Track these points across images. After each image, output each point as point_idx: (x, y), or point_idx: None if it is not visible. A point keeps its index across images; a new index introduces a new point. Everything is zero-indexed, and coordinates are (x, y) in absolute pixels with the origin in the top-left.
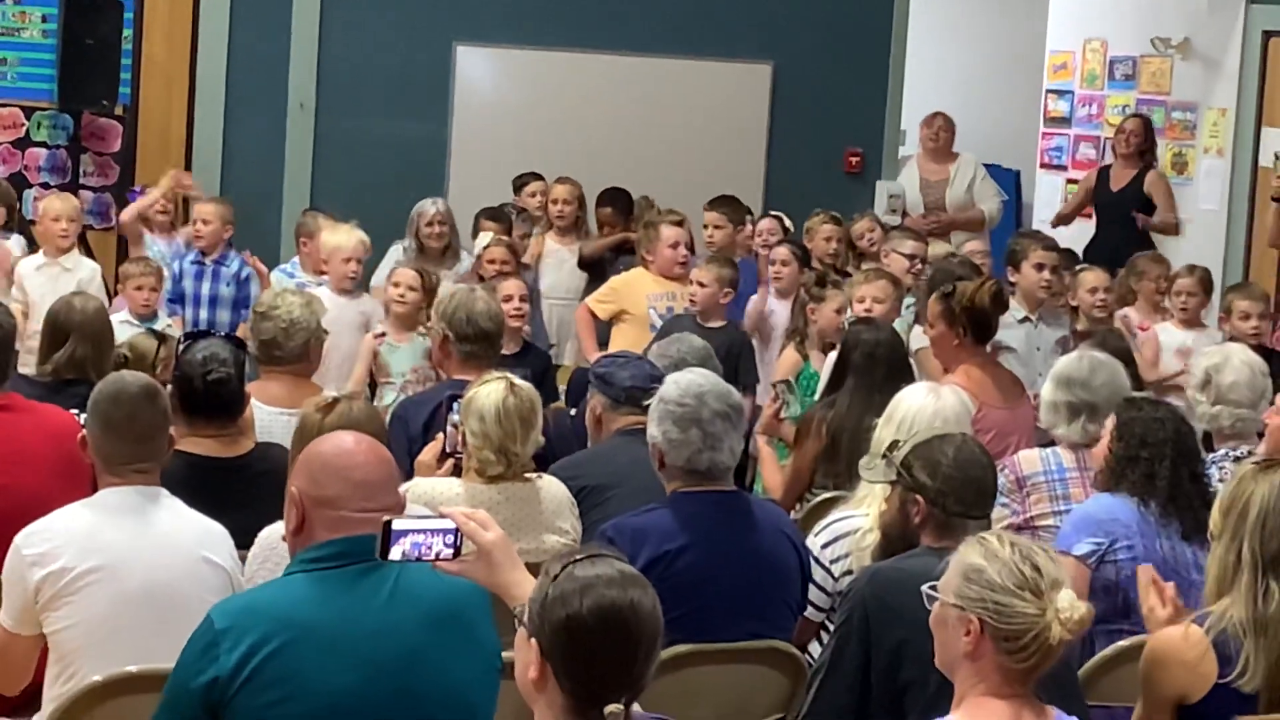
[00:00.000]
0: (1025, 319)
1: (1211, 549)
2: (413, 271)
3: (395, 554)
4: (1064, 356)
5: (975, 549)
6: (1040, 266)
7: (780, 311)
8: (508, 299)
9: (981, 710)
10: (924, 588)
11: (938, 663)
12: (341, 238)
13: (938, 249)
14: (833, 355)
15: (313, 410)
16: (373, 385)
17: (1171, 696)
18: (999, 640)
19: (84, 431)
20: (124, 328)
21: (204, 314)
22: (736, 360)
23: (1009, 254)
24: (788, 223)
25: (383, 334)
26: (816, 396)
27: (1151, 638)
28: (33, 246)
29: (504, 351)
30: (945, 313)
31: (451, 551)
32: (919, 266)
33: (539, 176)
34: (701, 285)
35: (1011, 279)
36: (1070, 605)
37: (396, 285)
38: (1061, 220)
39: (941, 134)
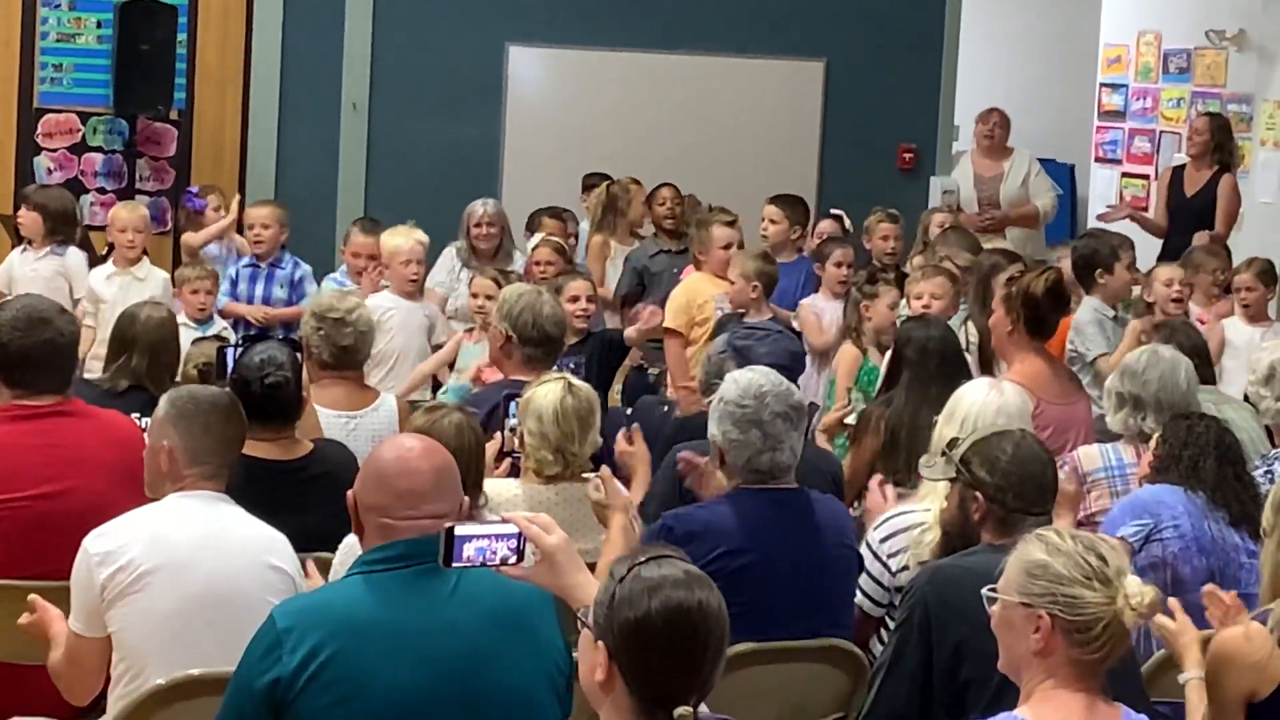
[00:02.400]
0: (1115, 317)
1: (1264, 546)
2: (489, 280)
3: (459, 560)
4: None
5: (1035, 545)
6: (1131, 266)
7: (829, 311)
8: (574, 299)
9: (1053, 702)
10: (984, 591)
11: (1001, 666)
12: (399, 240)
13: (992, 246)
14: (889, 353)
15: (418, 414)
16: (435, 385)
17: (1240, 696)
18: (1071, 633)
19: (165, 439)
20: (181, 331)
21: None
22: None
23: (1093, 255)
24: (848, 222)
25: (471, 329)
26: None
27: (1214, 640)
28: (91, 255)
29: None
30: (1005, 298)
31: (515, 556)
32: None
33: (606, 177)
34: (731, 282)
35: (1101, 280)
36: (1139, 590)
37: (475, 296)
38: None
39: (997, 130)
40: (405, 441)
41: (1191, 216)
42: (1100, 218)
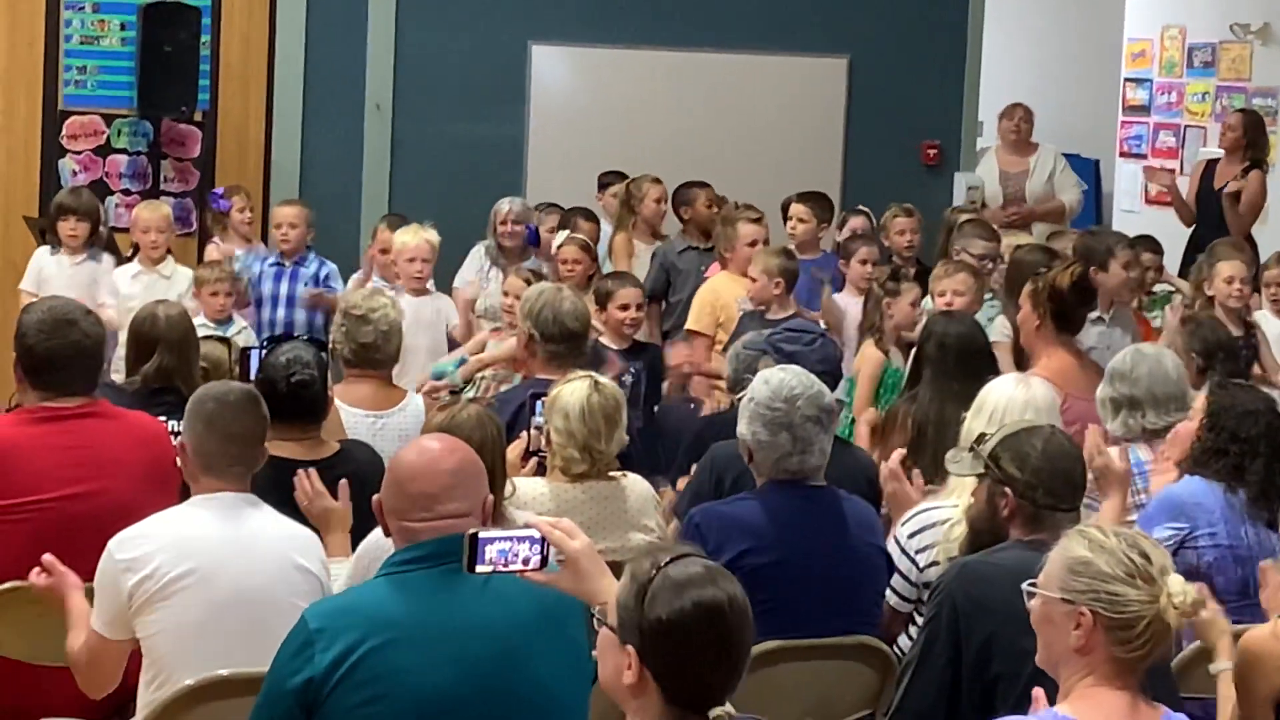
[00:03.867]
0: (1099, 319)
1: None
2: (521, 280)
3: (482, 566)
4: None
5: (1078, 541)
6: (1128, 265)
7: (853, 308)
8: (624, 307)
9: (1092, 700)
10: (1024, 585)
11: (1039, 661)
12: (408, 237)
13: (1018, 240)
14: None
15: (434, 411)
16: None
17: (1269, 695)
18: (1112, 631)
19: (182, 438)
20: (199, 331)
21: (281, 314)
22: None
23: (1087, 253)
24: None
25: (499, 328)
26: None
27: (1242, 639)
28: (116, 257)
29: (615, 347)
30: (1032, 294)
31: (539, 561)
32: (989, 266)
33: (622, 175)
34: (752, 280)
35: (1095, 277)
36: (1182, 589)
37: (506, 295)
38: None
39: (1022, 125)
40: (425, 443)
41: (1218, 209)
42: (1147, 171)
